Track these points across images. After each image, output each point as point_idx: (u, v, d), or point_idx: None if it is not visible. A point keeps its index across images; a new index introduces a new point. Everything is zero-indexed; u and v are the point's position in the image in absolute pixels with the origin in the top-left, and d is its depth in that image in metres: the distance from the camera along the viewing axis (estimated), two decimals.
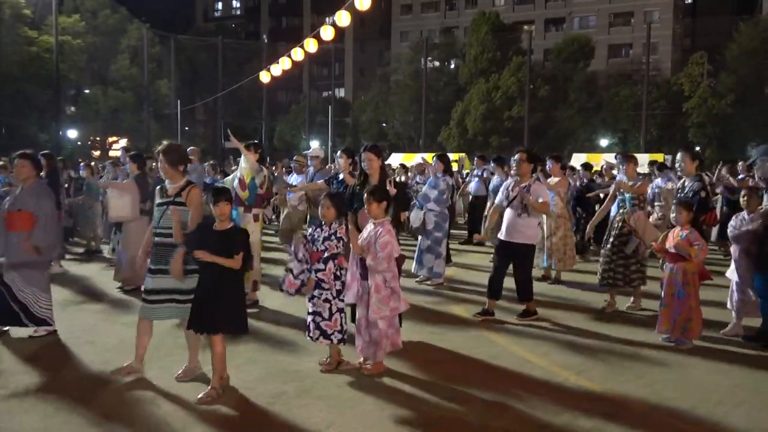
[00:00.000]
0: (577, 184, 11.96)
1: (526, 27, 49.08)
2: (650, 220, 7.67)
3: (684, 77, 42.00)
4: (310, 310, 5.14)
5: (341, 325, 5.11)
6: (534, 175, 7.10)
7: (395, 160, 28.28)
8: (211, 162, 14.96)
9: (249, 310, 5.07)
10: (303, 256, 5.02)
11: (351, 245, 5.17)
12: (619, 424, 4.30)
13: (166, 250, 4.81)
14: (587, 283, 9.09)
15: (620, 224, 7.35)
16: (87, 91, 44.30)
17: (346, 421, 4.27)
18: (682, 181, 7.01)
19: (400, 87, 50.21)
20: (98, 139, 46.07)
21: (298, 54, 15.82)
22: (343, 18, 13.19)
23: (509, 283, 7.22)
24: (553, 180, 9.14)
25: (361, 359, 5.31)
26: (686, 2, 61.53)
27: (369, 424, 4.24)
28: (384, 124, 52.40)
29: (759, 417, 4.44)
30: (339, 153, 7.38)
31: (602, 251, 7.63)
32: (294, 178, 11.35)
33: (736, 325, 6.40)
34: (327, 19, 14.26)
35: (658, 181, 9.06)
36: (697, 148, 39.58)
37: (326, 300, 5.07)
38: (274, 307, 7.41)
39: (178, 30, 50.19)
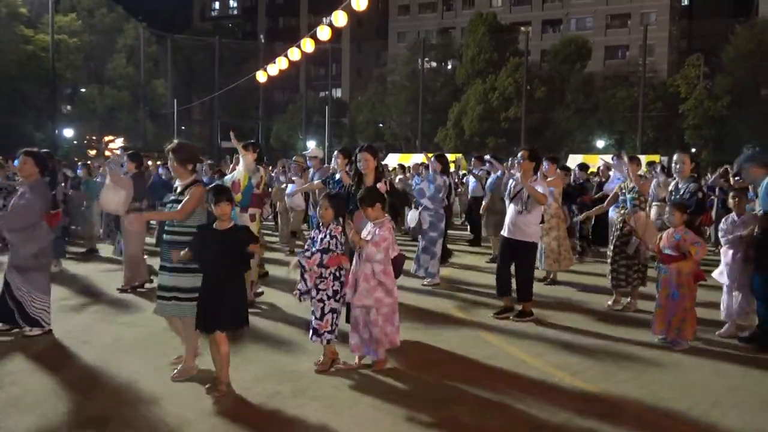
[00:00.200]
0: (571, 180, 11.96)
1: (523, 28, 49.11)
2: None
3: (680, 79, 42.12)
4: (311, 310, 5.17)
5: (332, 325, 5.11)
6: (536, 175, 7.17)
7: (392, 160, 28.32)
8: (209, 162, 14.95)
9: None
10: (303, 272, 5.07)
11: (351, 245, 5.18)
12: (615, 424, 4.31)
13: (176, 248, 4.84)
14: (583, 283, 9.11)
15: (621, 225, 7.41)
16: (83, 90, 44.19)
17: (341, 422, 4.26)
18: (674, 182, 7.02)
19: (397, 87, 50.26)
20: (94, 138, 45.93)
21: (294, 54, 15.81)
22: (339, 18, 13.19)
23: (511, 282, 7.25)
24: (548, 180, 9.15)
25: (357, 359, 5.31)
26: (683, 4, 61.76)
27: (365, 425, 4.24)
28: (381, 125, 52.42)
29: (755, 419, 4.44)
30: (336, 153, 7.38)
31: (608, 252, 7.77)
32: (294, 179, 11.38)
33: (731, 327, 6.42)
34: (324, 19, 14.20)
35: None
36: (693, 150, 39.77)
37: (321, 300, 5.08)
38: (272, 307, 7.41)
39: (175, 29, 50.17)
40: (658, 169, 12.32)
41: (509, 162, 12.73)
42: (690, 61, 42.59)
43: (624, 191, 7.54)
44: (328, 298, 5.07)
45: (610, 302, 7.67)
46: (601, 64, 50.83)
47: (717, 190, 11.80)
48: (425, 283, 8.80)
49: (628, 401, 4.73)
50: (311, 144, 45.52)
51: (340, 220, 5.15)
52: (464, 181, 15.00)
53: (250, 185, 7.18)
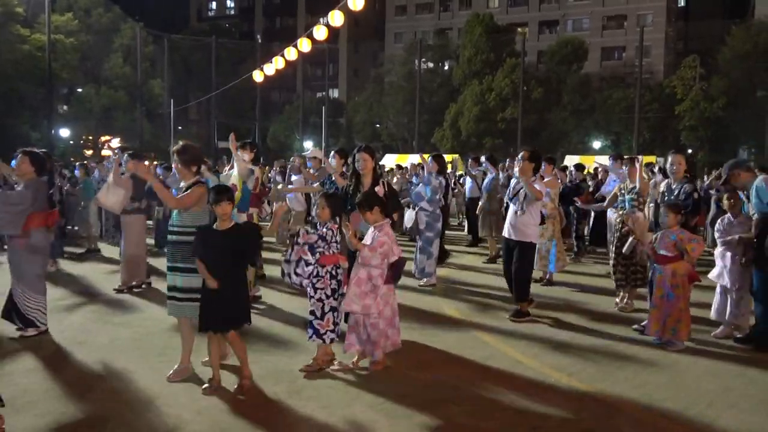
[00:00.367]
0: (567, 181, 11.99)
1: (519, 29, 49.04)
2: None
3: (676, 80, 42.23)
4: (309, 310, 5.16)
5: (333, 324, 5.11)
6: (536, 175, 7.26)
7: (389, 161, 28.32)
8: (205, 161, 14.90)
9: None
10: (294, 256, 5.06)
11: (349, 245, 5.18)
12: (610, 425, 4.32)
13: (181, 249, 4.87)
14: (580, 284, 9.13)
15: (621, 225, 7.45)
16: (80, 90, 44.08)
17: (337, 422, 4.26)
18: (665, 183, 7.02)
19: (394, 88, 50.24)
20: (91, 138, 45.84)
21: (291, 54, 15.78)
22: (336, 18, 13.17)
23: (504, 282, 7.25)
24: (544, 181, 9.17)
25: (355, 359, 5.30)
26: (679, 6, 61.86)
27: (361, 425, 4.24)
28: (378, 125, 52.41)
29: (750, 419, 4.45)
30: (332, 153, 7.38)
31: (610, 254, 7.90)
32: (292, 179, 11.38)
33: (726, 327, 6.43)
34: (321, 19, 14.19)
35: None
36: (690, 151, 39.90)
37: (319, 299, 5.08)
38: (269, 307, 7.41)
39: (172, 29, 50.06)
40: (656, 169, 12.35)
41: (506, 162, 12.75)
42: (686, 62, 42.70)
43: (623, 191, 7.57)
44: (327, 297, 5.07)
45: (617, 300, 7.69)
46: (597, 65, 50.93)
47: (714, 191, 11.83)
48: (422, 283, 8.81)
49: (623, 402, 4.73)
50: (308, 144, 45.54)
51: (337, 219, 5.16)
52: (461, 181, 15.00)
53: (246, 189, 7.16)
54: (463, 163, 25.36)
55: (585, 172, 14.26)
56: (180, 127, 48.65)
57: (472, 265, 10.74)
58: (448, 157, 21.05)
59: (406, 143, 47.96)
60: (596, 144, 42.68)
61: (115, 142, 39.70)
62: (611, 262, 7.73)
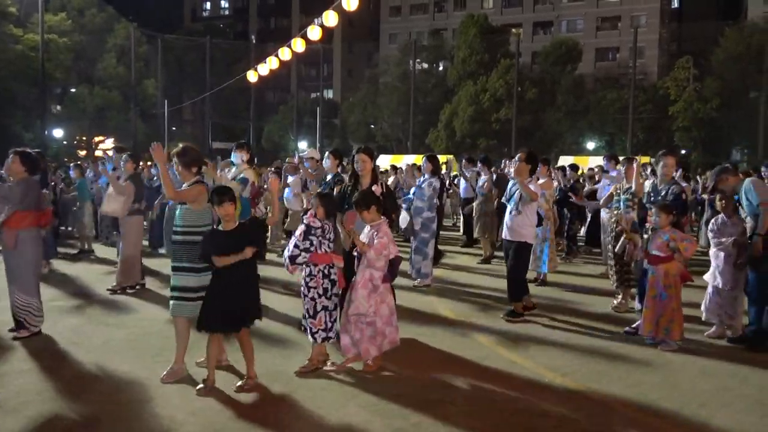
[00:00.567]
0: (562, 185, 12.00)
1: (514, 30, 49.20)
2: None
3: (670, 81, 42.36)
4: (304, 309, 5.17)
5: (326, 323, 5.10)
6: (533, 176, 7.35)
7: (384, 161, 28.34)
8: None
9: None
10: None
11: (343, 243, 5.18)
12: (604, 425, 4.33)
13: (187, 249, 4.88)
14: (573, 284, 9.15)
15: (615, 225, 7.48)
16: (73, 90, 43.92)
17: (332, 422, 4.26)
18: (651, 183, 7.02)
19: (389, 88, 50.23)
20: (84, 138, 45.69)
21: (285, 54, 15.79)
22: (330, 18, 13.18)
23: (501, 283, 7.26)
24: (540, 182, 9.20)
25: (347, 359, 5.30)
26: (672, 7, 62.10)
27: (355, 426, 4.23)
28: (372, 126, 52.40)
29: (743, 419, 4.47)
30: (327, 154, 7.38)
31: (608, 254, 7.97)
32: (289, 180, 11.36)
33: (719, 327, 6.45)
34: (315, 19, 14.20)
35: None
36: (683, 152, 40.03)
37: (312, 298, 5.08)
38: (263, 307, 7.37)
39: (166, 29, 49.88)
40: (648, 170, 12.38)
41: (503, 163, 12.77)
42: (680, 63, 42.84)
43: (619, 192, 7.59)
44: (319, 296, 5.07)
45: (614, 300, 7.72)
46: (591, 66, 51.02)
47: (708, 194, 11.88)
48: (416, 283, 8.81)
49: (617, 402, 4.75)
50: (303, 145, 45.48)
51: (332, 219, 5.17)
52: (455, 182, 15.01)
53: (245, 201, 7.13)
54: (457, 164, 25.38)
55: (579, 173, 14.28)
56: (174, 128, 48.56)
57: (467, 266, 10.75)
58: (442, 158, 21.10)
59: (400, 144, 47.95)
60: (590, 145, 42.78)
61: (109, 143, 39.56)
62: (610, 262, 7.73)
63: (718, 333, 6.43)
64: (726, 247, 6.32)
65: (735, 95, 39.08)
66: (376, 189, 5.99)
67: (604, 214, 9.39)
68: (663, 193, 6.63)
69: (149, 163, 15.19)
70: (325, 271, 5.09)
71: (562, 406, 4.60)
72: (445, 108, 45.76)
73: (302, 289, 5.14)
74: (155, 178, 11.51)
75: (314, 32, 14.15)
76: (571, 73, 45.36)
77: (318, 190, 6.86)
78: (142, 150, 21.46)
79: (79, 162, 14.19)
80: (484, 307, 7.70)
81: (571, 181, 12.15)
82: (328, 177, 7.19)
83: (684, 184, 12.30)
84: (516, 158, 7.28)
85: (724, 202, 6.45)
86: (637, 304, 6.78)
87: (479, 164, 11.95)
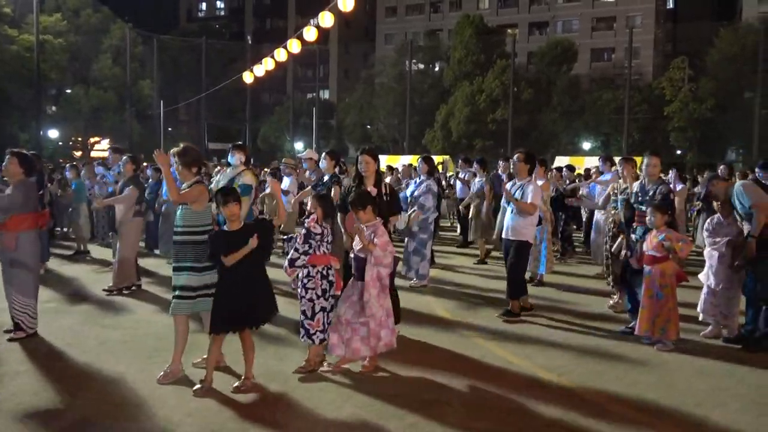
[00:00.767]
0: (561, 189, 12.02)
1: (509, 30, 49.19)
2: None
3: (665, 81, 42.50)
4: (301, 310, 5.16)
5: (324, 324, 5.10)
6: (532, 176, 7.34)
7: (380, 162, 28.33)
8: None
9: None
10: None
11: (345, 245, 5.18)
12: (601, 425, 4.34)
13: (189, 249, 4.89)
14: (569, 284, 9.16)
15: (611, 225, 7.49)
16: (69, 90, 43.82)
17: (328, 423, 4.26)
18: (638, 183, 7.01)
19: (385, 89, 50.27)
20: (80, 139, 45.60)
21: (281, 55, 15.77)
22: (326, 19, 13.17)
23: (497, 283, 7.27)
24: (539, 183, 9.22)
25: (342, 357, 5.28)
26: (668, 8, 62.26)
27: (352, 426, 4.24)
28: (368, 127, 52.40)
29: (739, 419, 4.48)
30: (323, 155, 7.37)
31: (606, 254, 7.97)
32: (285, 181, 11.34)
33: (715, 327, 6.47)
34: (311, 20, 14.19)
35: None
36: (678, 152, 40.13)
37: (310, 299, 5.08)
38: None
39: (162, 30, 49.88)
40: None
41: (500, 164, 12.78)
42: (675, 63, 42.97)
43: (617, 192, 7.60)
44: (318, 297, 5.07)
45: (611, 300, 7.74)
46: (587, 67, 51.14)
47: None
48: (413, 283, 8.82)
49: (613, 401, 4.76)
50: (299, 146, 45.45)
51: (330, 220, 5.17)
52: (452, 183, 15.01)
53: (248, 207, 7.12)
54: (453, 165, 25.40)
55: (575, 173, 14.33)
56: (170, 128, 48.49)
57: (463, 266, 10.76)
58: (438, 159, 21.13)
59: (396, 144, 47.97)
60: (586, 145, 42.87)
61: (104, 143, 39.44)
62: (606, 262, 7.76)
63: (714, 333, 6.44)
64: (719, 247, 6.35)
65: (730, 96, 39.24)
66: (372, 190, 5.99)
67: (599, 215, 9.40)
68: (651, 193, 6.64)
69: (145, 164, 15.17)
70: (324, 273, 5.09)
71: (558, 406, 4.60)
72: (441, 108, 45.81)
73: (299, 290, 5.13)
74: (150, 180, 11.47)
75: (310, 33, 14.14)
76: (566, 73, 45.46)
77: (314, 192, 6.85)
78: (139, 151, 21.45)
79: (74, 163, 14.14)
80: (481, 307, 7.71)
81: (567, 182, 12.19)
82: (325, 178, 7.19)
83: (680, 185, 12.37)
84: (515, 158, 7.32)
85: (720, 203, 6.47)
86: (626, 304, 6.83)
87: (475, 165, 11.97)
